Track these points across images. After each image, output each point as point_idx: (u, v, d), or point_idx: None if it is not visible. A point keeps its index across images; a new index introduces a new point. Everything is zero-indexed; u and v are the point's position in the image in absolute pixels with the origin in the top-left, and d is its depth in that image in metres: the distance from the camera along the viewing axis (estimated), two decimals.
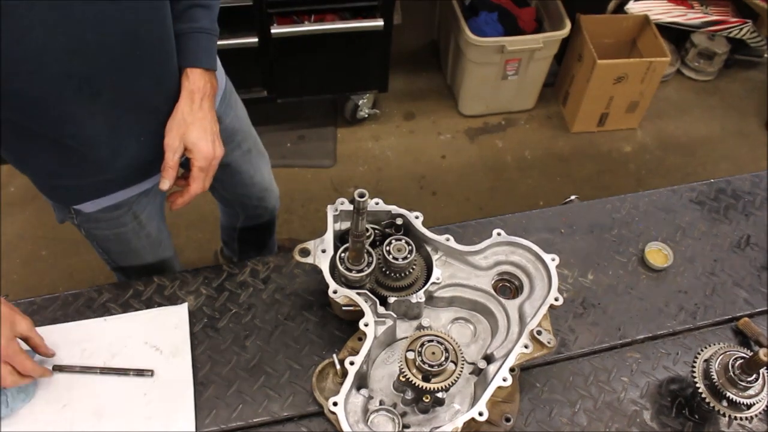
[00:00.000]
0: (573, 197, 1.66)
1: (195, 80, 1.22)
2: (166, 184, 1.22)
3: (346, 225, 1.25)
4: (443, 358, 1.06)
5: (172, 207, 1.27)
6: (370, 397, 1.15)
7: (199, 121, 1.21)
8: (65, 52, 0.99)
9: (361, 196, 1.04)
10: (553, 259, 1.24)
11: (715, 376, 1.15)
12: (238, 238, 2.04)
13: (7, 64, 0.94)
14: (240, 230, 2.00)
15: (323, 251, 1.21)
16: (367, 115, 3.00)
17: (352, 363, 1.11)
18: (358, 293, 1.17)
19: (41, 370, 1.17)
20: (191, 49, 1.22)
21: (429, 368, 1.05)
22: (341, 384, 1.10)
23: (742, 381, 1.13)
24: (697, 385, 1.17)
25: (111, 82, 1.09)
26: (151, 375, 1.23)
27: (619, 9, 3.21)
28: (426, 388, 1.06)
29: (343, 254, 1.20)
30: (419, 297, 1.21)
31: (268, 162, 1.82)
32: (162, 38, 1.14)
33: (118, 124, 1.17)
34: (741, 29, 3.25)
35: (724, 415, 1.16)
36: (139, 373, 1.22)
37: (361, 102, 2.93)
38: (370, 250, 1.21)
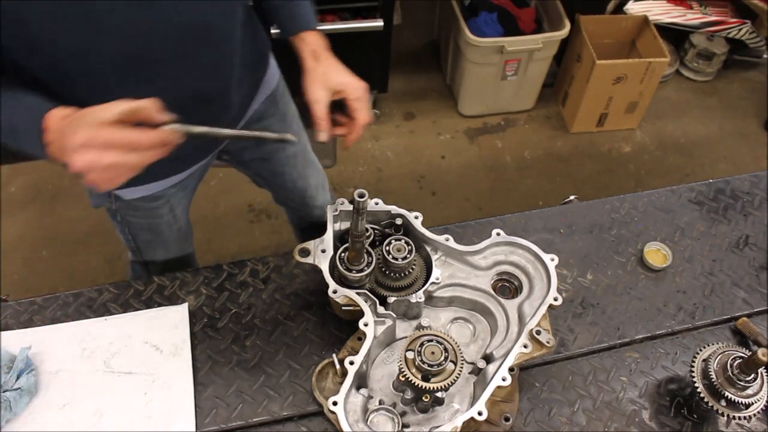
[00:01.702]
0: (572, 197, 1.66)
1: (312, 41, 1.26)
2: (323, 136, 1.21)
3: (345, 225, 1.26)
4: (443, 358, 1.06)
5: (347, 144, 1.26)
6: (370, 397, 1.15)
7: (332, 66, 1.24)
8: (126, 39, 1.01)
9: (361, 196, 1.05)
10: (552, 259, 1.24)
11: (713, 376, 1.15)
12: (300, 237, 2.08)
13: (71, 50, 0.98)
14: (295, 228, 2.05)
15: (323, 251, 1.21)
16: None
17: (351, 363, 1.11)
18: (358, 293, 1.17)
19: (161, 134, 0.93)
20: (299, 16, 1.27)
21: (428, 368, 1.06)
22: (341, 384, 1.10)
23: (740, 380, 1.13)
24: (696, 384, 1.17)
25: (166, 69, 1.11)
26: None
27: (618, 9, 3.22)
28: (425, 387, 1.06)
29: (342, 254, 1.20)
30: (419, 297, 1.21)
31: (318, 172, 1.82)
32: (225, 30, 1.17)
33: (168, 111, 1.17)
34: (740, 30, 3.25)
35: (722, 414, 1.16)
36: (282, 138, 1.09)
37: None
38: (370, 250, 1.21)
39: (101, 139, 0.87)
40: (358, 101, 1.22)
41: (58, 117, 0.93)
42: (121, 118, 0.88)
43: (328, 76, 1.22)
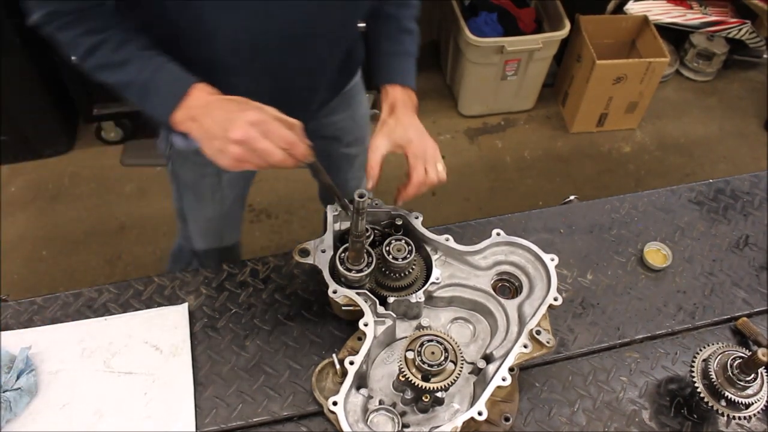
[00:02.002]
0: (572, 197, 1.66)
1: (394, 95, 1.27)
2: (369, 183, 1.23)
3: (345, 225, 1.26)
4: (443, 358, 1.06)
5: (398, 201, 1.26)
6: (370, 397, 1.15)
7: (403, 122, 1.24)
8: (256, 30, 1.10)
9: (361, 196, 1.05)
10: (553, 259, 1.24)
11: (713, 376, 1.15)
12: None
13: (219, 28, 1.07)
14: None
15: (323, 251, 1.21)
16: None
17: (351, 363, 1.11)
18: (358, 293, 1.17)
19: (307, 150, 1.05)
20: (394, 69, 1.30)
21: (428, 368, 1.06)
22: (341, 384, 1.11)
23: (740, 380, 1.14)
24: (696, 384, 1.17)
25: (281, 59, 1.18)
26: None
27: (619, 9, 3.22)
28: (425, 387, 1.06)
29: (342, 254, 1.20)
30: (419, 297, 1.21)
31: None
32: (340, 35, 1.24)
33: (265, 101, 1.22)
34: (740, 30, 3.25)
35: (722, 414, 1.16)
36: None
37: None
38: (370, 250, 1.21)
39: (269, 126, 0.99)
40: (416, 159, 1.21)
41: (205, 90, 1.06)
42: (280, 121, 1.02)
43: (394, 130, 1.22)
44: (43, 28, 1.06)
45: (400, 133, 1.22)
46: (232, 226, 1.70)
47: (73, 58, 1.09)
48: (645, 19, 3.07)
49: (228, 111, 1.01)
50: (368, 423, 1.12)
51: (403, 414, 1.15)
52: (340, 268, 1.19)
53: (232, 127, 0.98)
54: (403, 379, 1.08)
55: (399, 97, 1.27)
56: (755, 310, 1.43)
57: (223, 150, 1.00)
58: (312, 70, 1.28)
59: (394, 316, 1.20)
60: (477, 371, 1.19)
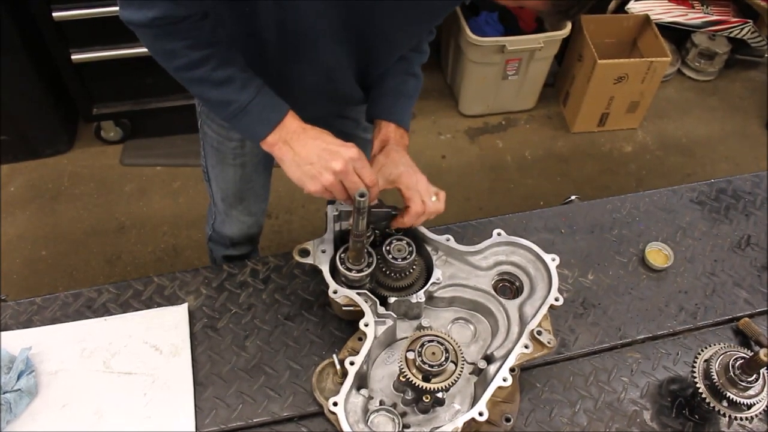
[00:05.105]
0: (573, 197, 1.66)
1: (387, 132, 1.30)
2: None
3: (346, 225, 1.25)
4: (443, 358, 1.06)
5: (393, 225, 1.27)
6: (370, 397, 1.15)
7: (394, 159, 1.25)
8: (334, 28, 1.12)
9: (362, 196, 1.04)
10: (554, 259, 1.24)
11: (715, 377, 1.15)
12: None
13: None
14: None
15: (323, 251, 1.21)
16: None
17: (352, 363, 1.11)
18: (358, 293, 1.17)
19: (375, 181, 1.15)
20: (394, 108, 1.33)
21: (429, 368, 1.05)
22: (341, 384, 1.10)
23: (742, 381, 1.13)
24: (698, 385, 1.17)
25: (342, 71, 1.25)
26: None
27: (620, 9, 3.21)
28: (426, 388, 1.06)
29: (343, 254, 1.20)
30: (419, 297, 1.21)
31: None
32: (395, 48, 1.28)
33: (312, 90, 1.28)
34: (742, 29, 3.25)
35: (724, 415, 1.16)
36: None
37: None
38: (371, 250, 1.21)
39: (363, 163, 1.12)
40: (410, 190, 1.23)
41: (296, 118, 1.16)
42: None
43: (384, 167, 1.23)
44: (147, 30, 1.07)
45: (390, 171, 1.23)
46: (254, 194, 1.71)
47: (168, 66, 1.12)
48: (646, 19, 3.07)
49: (327, 143, 1.12)
50: (369, 423, 1.12)
51: (403, 414, 1.15)
52: (341, 268, 1.18)
53: (333, 158, 1.09)
54: (403, 379, 1.08)
55: (392, 136, 1.29)
56: (757, 310, 1.42)
57: (316, 176, 1.11)
58: (345, 94, 1.35)
59: (395, 316, 1.19)
60: (478, 372, 1.19)
